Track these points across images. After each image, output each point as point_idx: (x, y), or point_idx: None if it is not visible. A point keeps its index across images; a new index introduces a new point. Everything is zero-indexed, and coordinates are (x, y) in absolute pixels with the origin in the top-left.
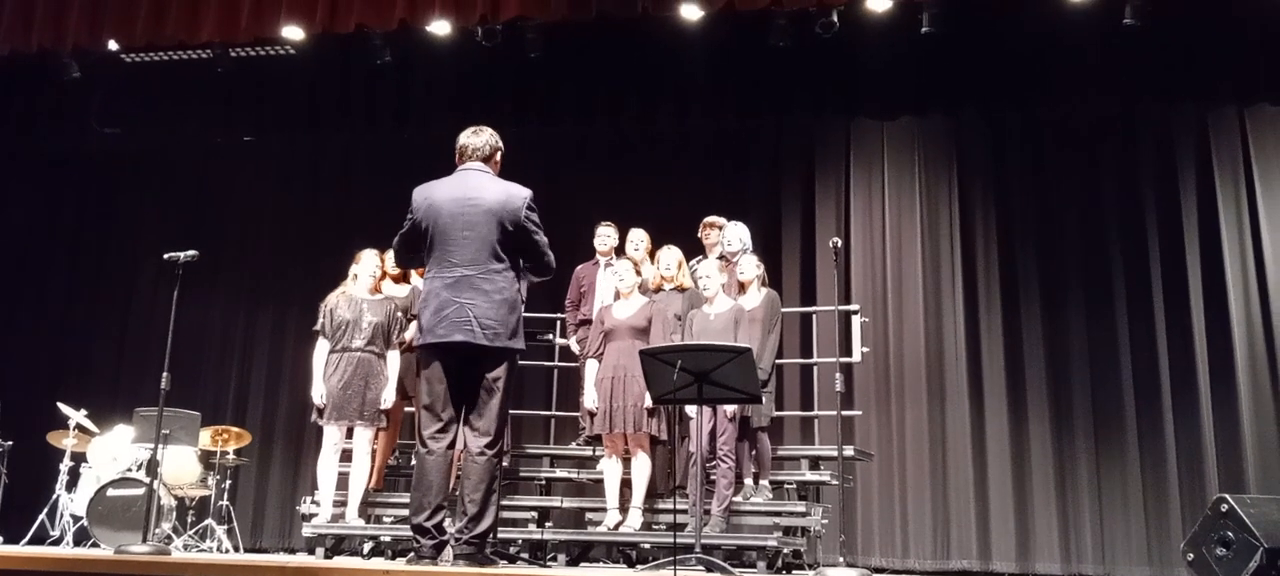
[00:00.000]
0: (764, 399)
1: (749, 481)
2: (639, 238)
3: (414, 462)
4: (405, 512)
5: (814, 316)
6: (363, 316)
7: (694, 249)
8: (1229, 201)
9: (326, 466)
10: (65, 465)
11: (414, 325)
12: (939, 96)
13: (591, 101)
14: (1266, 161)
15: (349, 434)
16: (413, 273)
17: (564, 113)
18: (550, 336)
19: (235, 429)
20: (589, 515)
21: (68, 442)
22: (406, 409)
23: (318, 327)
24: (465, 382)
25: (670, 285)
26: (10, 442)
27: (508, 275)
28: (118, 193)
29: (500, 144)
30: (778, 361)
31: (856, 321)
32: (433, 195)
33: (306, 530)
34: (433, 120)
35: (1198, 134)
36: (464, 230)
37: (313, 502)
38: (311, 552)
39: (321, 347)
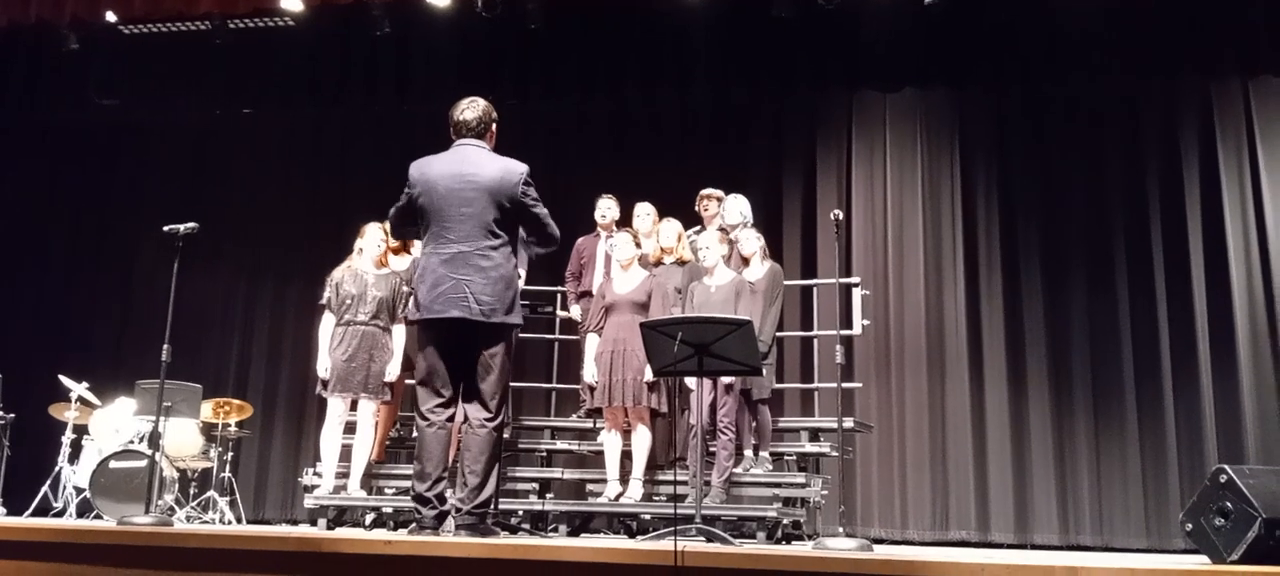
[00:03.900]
0: (764, 371)
1: (749, 453)
2: (645, 210)
3: (415, 434)
4: (407, 484)
5: (815, 289)
6: (368, 290)
7: (695, 222)
8: (1232, 174)
9: (329, 438)
10: (67, 437)
11: (412, 299)
12: (942, 69)
13: (593, 74)
14: (1270, 133)
15: (353, 406)
16: (414, 244)
17: (565, 85)
18: (550, 309)
19: (237, 401)
20: (590, 486)
21: (70, 415)
22: (408, 381)
23: (323, 302)
24: (463, 358)
25: (670, 258)
26: (12, 415)
27: (504, 251)
28: (117, 165)
29: (494, 115)
30: (778, 334)
31: (857, 294)
32: (429, 171)
33: (308, 501)
34: (433, 93)
35: (1201, 106)
36: (460, 207)
37: (315, 474)
38: (314, 523)
39: (327, 321)
